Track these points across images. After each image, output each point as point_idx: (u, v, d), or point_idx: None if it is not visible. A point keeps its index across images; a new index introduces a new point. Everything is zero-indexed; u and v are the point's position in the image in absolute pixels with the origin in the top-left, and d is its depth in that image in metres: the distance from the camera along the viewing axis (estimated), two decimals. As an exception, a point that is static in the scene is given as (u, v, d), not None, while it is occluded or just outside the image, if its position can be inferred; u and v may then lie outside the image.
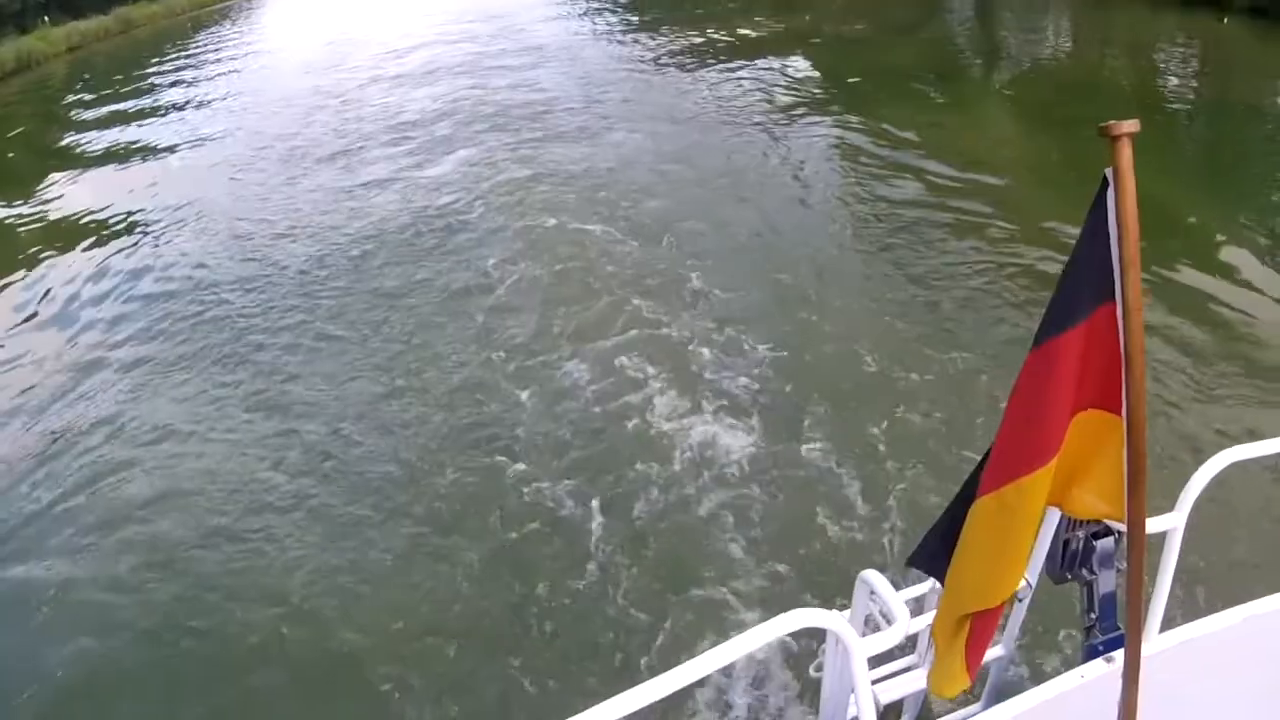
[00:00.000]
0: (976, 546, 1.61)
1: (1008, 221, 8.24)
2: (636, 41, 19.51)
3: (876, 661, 2.15)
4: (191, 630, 4.65)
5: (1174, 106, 12.25)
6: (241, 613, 4.71)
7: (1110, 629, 2.18)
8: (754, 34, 18.70)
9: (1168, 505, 2.05)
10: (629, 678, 3.75)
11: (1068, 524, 2.12)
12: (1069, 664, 2.16)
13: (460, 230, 9.50)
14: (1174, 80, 13.76)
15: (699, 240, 8.52)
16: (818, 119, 12.19)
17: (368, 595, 4.71)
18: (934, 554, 1.71)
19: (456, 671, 4.17)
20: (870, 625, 2.12)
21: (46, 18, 32.66)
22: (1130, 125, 1.31)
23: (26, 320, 9.39)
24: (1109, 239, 1.37)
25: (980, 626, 1.67)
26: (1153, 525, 1.82)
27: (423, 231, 9.59)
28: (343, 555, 5.03)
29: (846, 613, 2.12)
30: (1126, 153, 1.32)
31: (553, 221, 9.33)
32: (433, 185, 11.11)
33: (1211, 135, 11.20)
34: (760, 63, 15.65)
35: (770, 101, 13.29)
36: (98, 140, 17.62)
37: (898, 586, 2.12)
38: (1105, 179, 1.35)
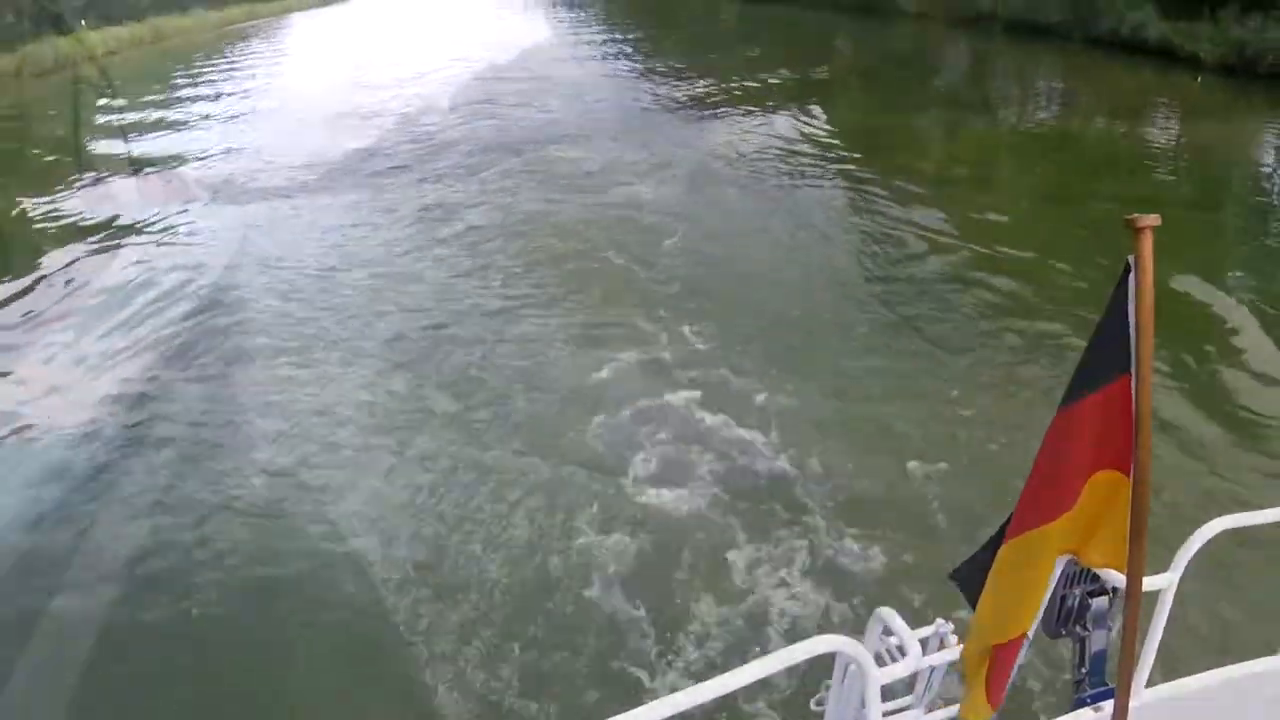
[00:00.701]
0: (998, 584, 1.80)
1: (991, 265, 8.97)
2: (658, 79, 20.37)
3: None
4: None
5: (1159, 168, 12.75)
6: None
7: (1098, 684, 2.30)
8: (768, 83, 19.45)
9: (1161, 567, 2.19)
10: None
11: (1064, 582, 2.25)
12: (1057, 712, 2.28)
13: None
14: (1157, 136, 14.43)
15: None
16: (820, 159, 13.15)
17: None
18: (970, 580, 1.91)
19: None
20: (878, 662, 2.24)
21: (84, 21, 33.23)
22: (1152, 219, 1.50)
23: (52, 311, 9.64)
24: (1128, 317, 1.55)
25: (1001, 659, 1.84)
26: (1146, 584, 1.96)
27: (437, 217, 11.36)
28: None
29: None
30: (1148, 243, 1.51)
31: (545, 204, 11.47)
32: (441, 178, 12.73)
33: (1200, 199, 11.58)
34: (767, 108, 16.57)
35: (781, 143, 14.04)
36: (127, 142, 17.90)
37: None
38: (1128, 264, 1.53)
